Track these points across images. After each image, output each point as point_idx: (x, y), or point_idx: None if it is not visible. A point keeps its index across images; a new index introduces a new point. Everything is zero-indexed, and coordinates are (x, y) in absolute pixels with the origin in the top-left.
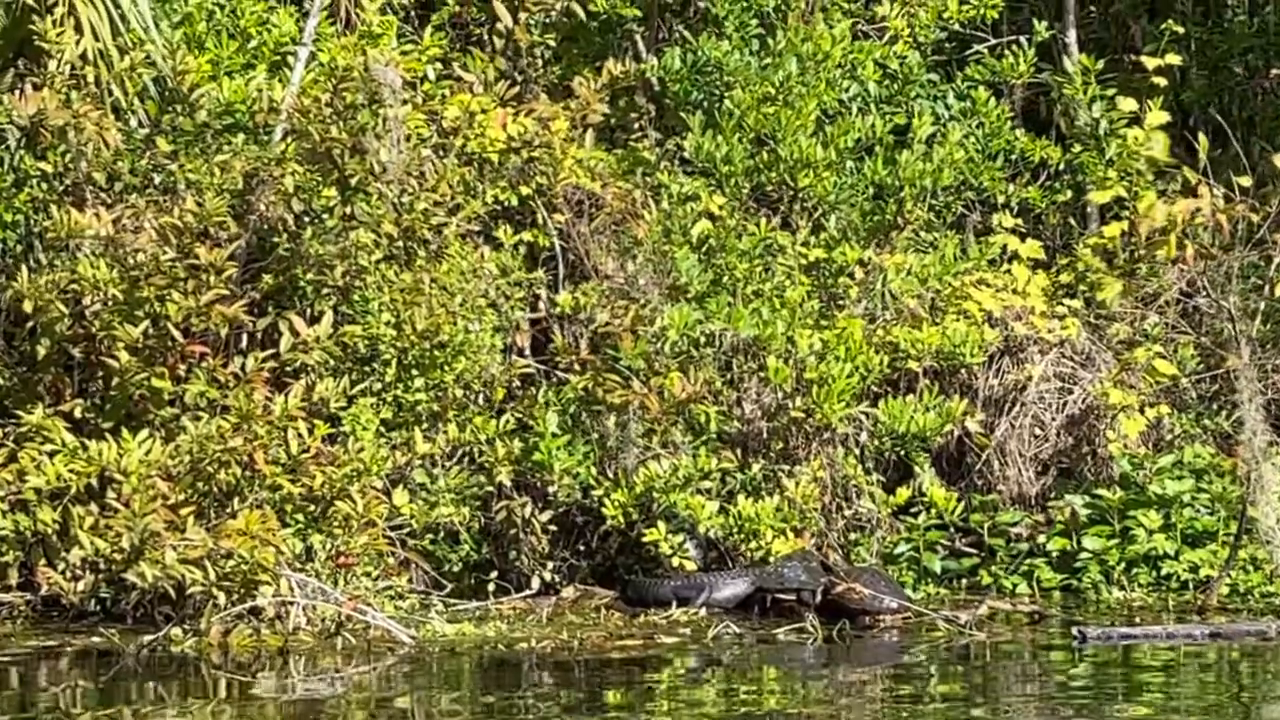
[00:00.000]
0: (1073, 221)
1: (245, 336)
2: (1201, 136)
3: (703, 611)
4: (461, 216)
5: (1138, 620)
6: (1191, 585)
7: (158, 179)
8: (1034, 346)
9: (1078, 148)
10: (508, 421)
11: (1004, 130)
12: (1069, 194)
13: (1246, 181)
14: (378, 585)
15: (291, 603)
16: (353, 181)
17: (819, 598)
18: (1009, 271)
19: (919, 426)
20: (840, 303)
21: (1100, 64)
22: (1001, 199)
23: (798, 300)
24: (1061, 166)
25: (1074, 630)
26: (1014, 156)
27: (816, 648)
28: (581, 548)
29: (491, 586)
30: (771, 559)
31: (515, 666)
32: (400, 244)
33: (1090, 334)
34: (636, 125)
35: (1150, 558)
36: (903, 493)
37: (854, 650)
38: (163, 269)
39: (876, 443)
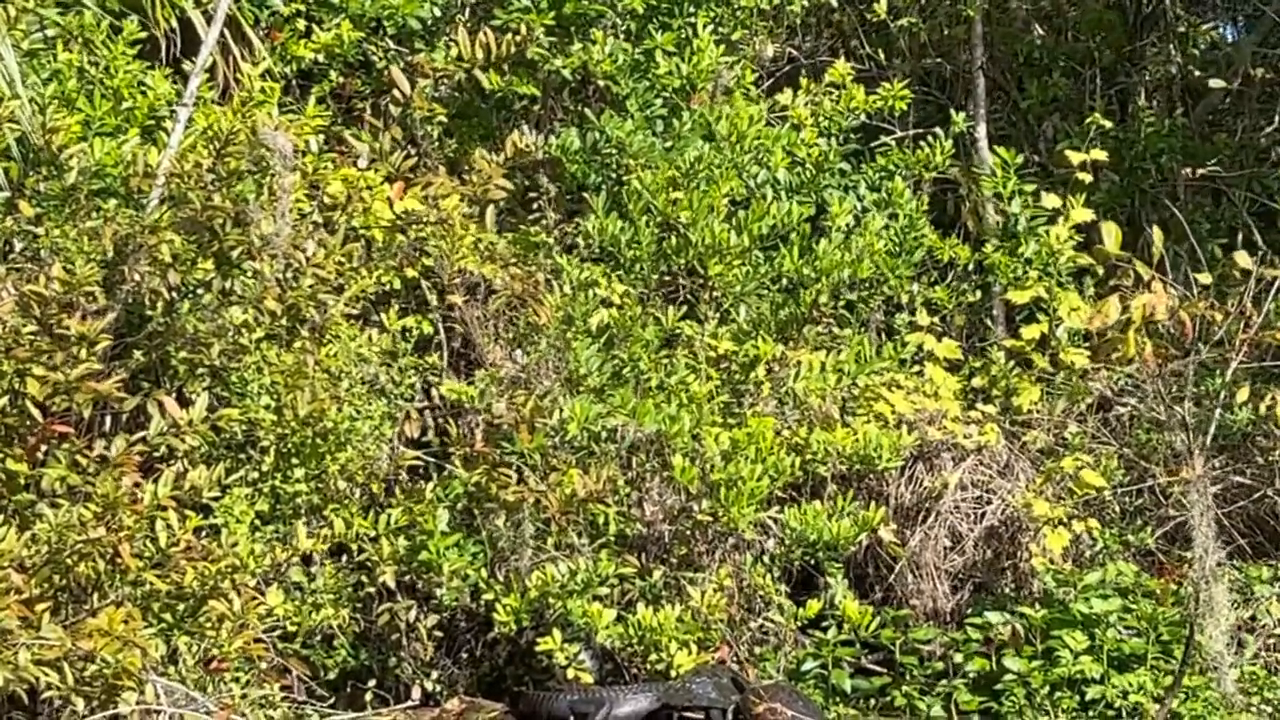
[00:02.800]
0: (988, 322)
1: (109, 418)
2: (1156, 230)
3: None
4: (349, 295)
5: None
6: (1123, 713)
7: (18, 245)
8: (948, 453)
9: (989, 247)
10: (397, 518)
11: (920, 223)
12: (978, 294)
13: (1206, 279)
14: (247, 693)
15: (158, 711)
16: (234, 254)
17: (729, 717)
18: (919, 373)
19: (832, 534)
20: (748, 400)
21: (1019, 158)
22: (906, 298)
23: (705, 395)
24: (970, 266)
25: None
26: (921, 254)
27: None
28: (465, 655)
29: (369, 696)
30: (675, 673)
31: None
32: (283, 322)
33: (1008, 441)
34: (535, 206)
35: (1074, 681)
36: (814, 605)
37: None
38: (22, 341)
39: (784, 551)
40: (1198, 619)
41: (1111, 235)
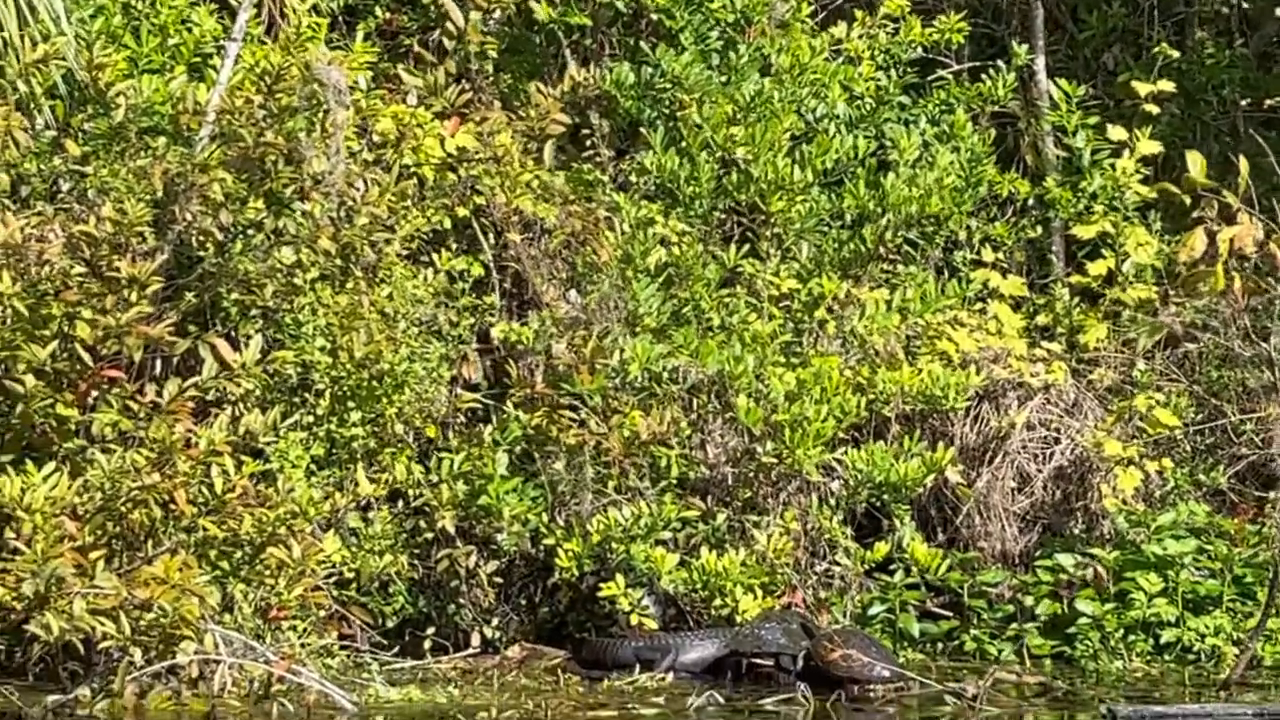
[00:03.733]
0: (1051, 259)
1: (160, 361)
2: (1243, 160)
3: (669, 677)
4: (403, 234)
5: (1157, 695)
6: (1201, 656)
7: (65, 185)
8: (1014, 392)
9: (1050, 181)
10: (462, 462)
11: (985, 158)
12: (1038, 230)
13: None
14: (306, 642)
15: (217, 660)
16: (287, 192)
17: (800, 663)
18: (982, 310)
19: (899, 476)
20: (810, 339)
21: (1080, 90)
22: (965, 234)
23: (768, 335)
24: (1030, 201)
25: (1102, 709)
26: (984, 190)
27: None
28: (524, 602)
29: (428, 644)
30: (741, 619)
31: None
32: (337, 262)
33: (1074, 379)
34: (589, 143)
35: (1148, 624)
36: (881, 548)
37: None
38: (72, 283)
39: (849, 493)
40: None
41: (1197, 164)
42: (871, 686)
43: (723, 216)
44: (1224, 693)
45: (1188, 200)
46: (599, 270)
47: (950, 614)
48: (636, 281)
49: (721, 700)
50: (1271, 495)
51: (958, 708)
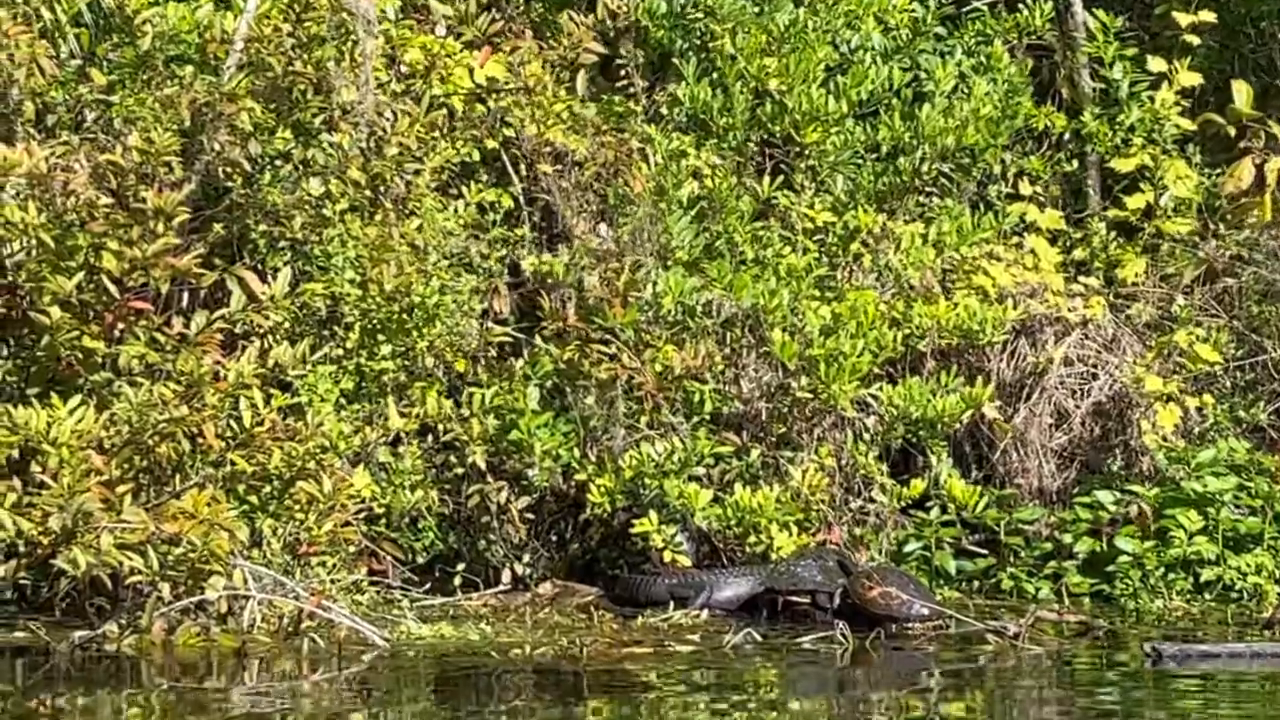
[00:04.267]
0: (1087, 192)
1: (188, 294)
2: None
3: (704, 614)
4: (433, 165)
5: (1199, 634)
6: (1244, 595)
7: (91, 115)
8: (1051, 327)
9: (1087, 114)
10: (493, 396)
11: (1022, 89)
12: (1074, 164)
13: None
14: (336, 578)
15: (246, 597)
16: (317, 122)
17: (836, 601)
18: (1019, 245)
19: (937, 411)
20: (845, 273)
21: (1118, 21)
22: (999, 168)
23: (803, 268)
24: (1066, 135)
25: (1147, 648)
26: (1020, 122)
27: (859, 662)
28: (555, 539)
29: (458, 581)
30: (775, 556)
31: (515, 680)
32: (366, 194)
33: (1112, 315)
34: (621, 74)
35: (1189, 562)
36: (917, 485)
37: (899, 665)
38: (98, 214)
39: (885, 429)
40: None
41: (1243, 94)
42: (910, 625)
43: (756, 149)
44: (1267, 632)
45: (1232, 131)
46: (631, 202)
47: (986, 552)
48: (669, 214)
49: (759, 638)
50: None
51: (1000, 646)
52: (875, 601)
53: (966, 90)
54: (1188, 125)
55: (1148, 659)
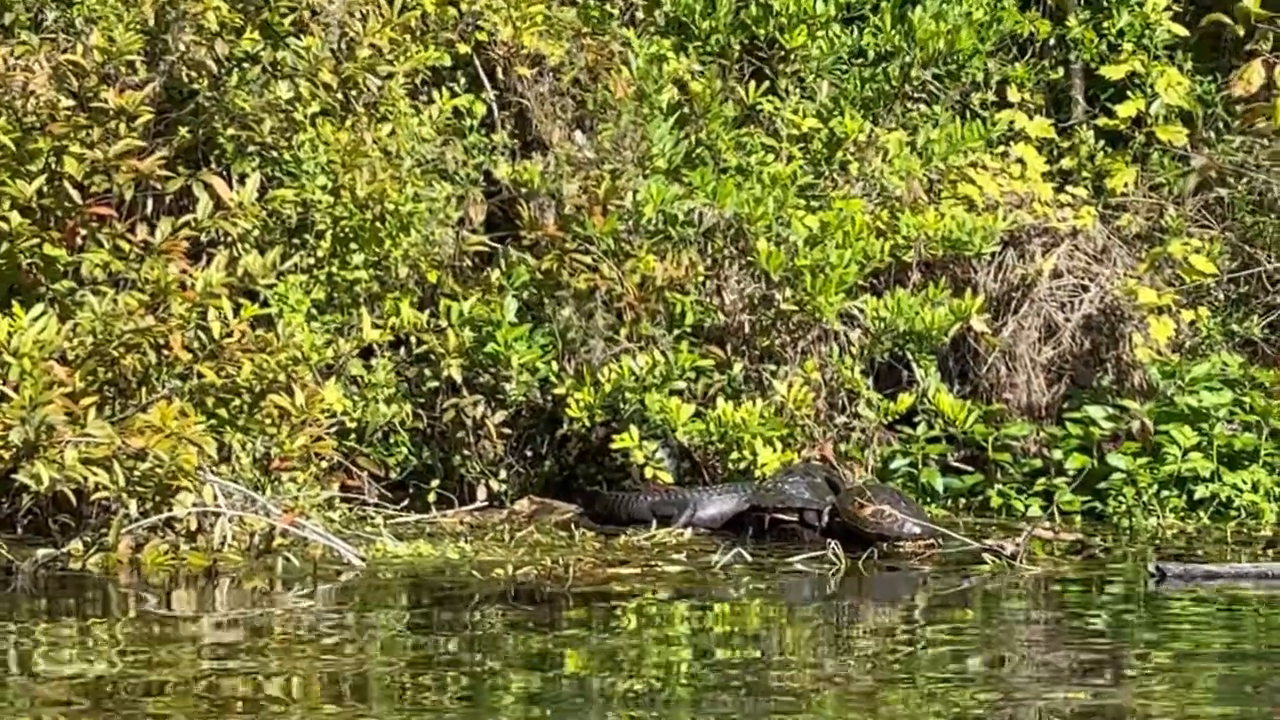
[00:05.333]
0: (1075, 100)
1: (152, 200)
2: None
3: (687, 533)
4: (406, 68)
5: (1199, 553)
6: (1243, 512)
7: (51, 14)
8: (1040, 238)
9: (1073, 20)
10: (471, 307)
11: None
12: (1059, 72)
13: None
14: (309, 494)
15: (216, 514)
16: (286, 22)
17: (825, 519)
18: (1006, 154)
19: (925, 324)
20: (830, 181)
21: None
22: (982, 75)
23: (788, 176)
24: (1051, 41)
25: (1150, 567)
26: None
27: (857, 583)
28: (530, 454)
29: (433, 497)
30: (759, 473)
31: (501, 600)
32: (338, 97)
33: (1102, 225)
34: None
35: (1182, 479)
36: (905, 399)
37: (896, 586)
38: (59, 116)
39: (871, 342)
40: None
41: None
42: (901, 543)
43: (739, 53)
44: (1270, 550)
45: (1241, 32)
46: (611, 108)
47: (971, 469)
48: (650, 120)
49: (748, 558)
50: None
51: (996, 566)
52: (866, 520)
53: None
54: (1180, 30)
55: (1152, 578)
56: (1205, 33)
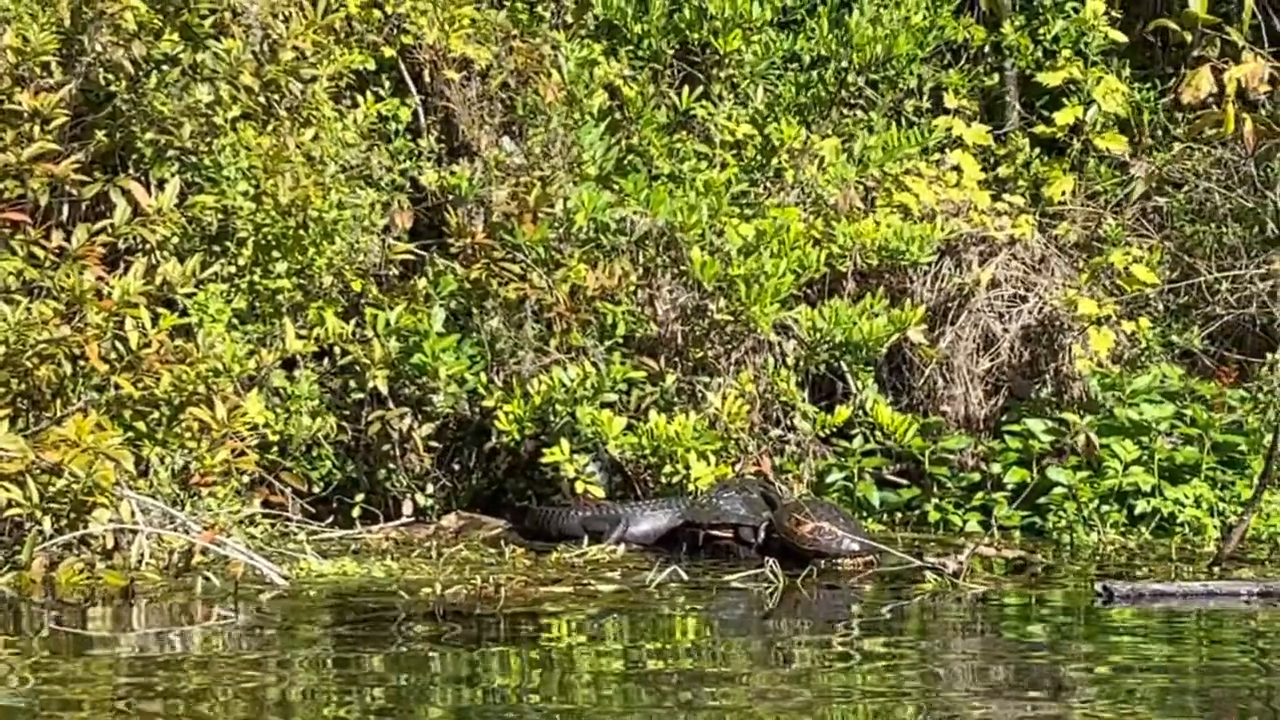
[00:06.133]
0: (1010, 107)
1: (68, 205)
2: None
3: (620, 549)
4: (330, 71)
5: (1145, 571)
6: (1187, 528)
7: None
8: (977, 247)
9: (1008, 26)
10: (400, 317)
11: None
12: (995, 78)
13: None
14: (233, 510)
15: (134, 531)
16: (206, 24)
17: (761, 536)
18: (941, 161)
19: (863, 334)
20: (765, 189)
21: None
22: (913, 82)
23: (722, 184)
24: (985, 48)
25: (1097, 586)
26: (949, 32)
27: (795, 601)
28: (458, 468)
29: (357, 512)
30: (693, 487)
31: (430, 621)
32: (260, 100)
33: (1040, 234)
34: None
35: (1123, 494)
36: (842, 411)
37: (836, 604)
38: None
39: (807, 354)
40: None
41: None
42: (839, 561)
43: (671, 58)
44: (1216, 569)
45: (1188, 38)
46: (541, 112)
47: (907, 483)
48: (582, 125)
49: (684, 576)
50: (1271, 358)
51: (939, 584)
52: (804, 537)
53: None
54: (1118, 36)
55: (1099, 598)
56: (1143, 39)
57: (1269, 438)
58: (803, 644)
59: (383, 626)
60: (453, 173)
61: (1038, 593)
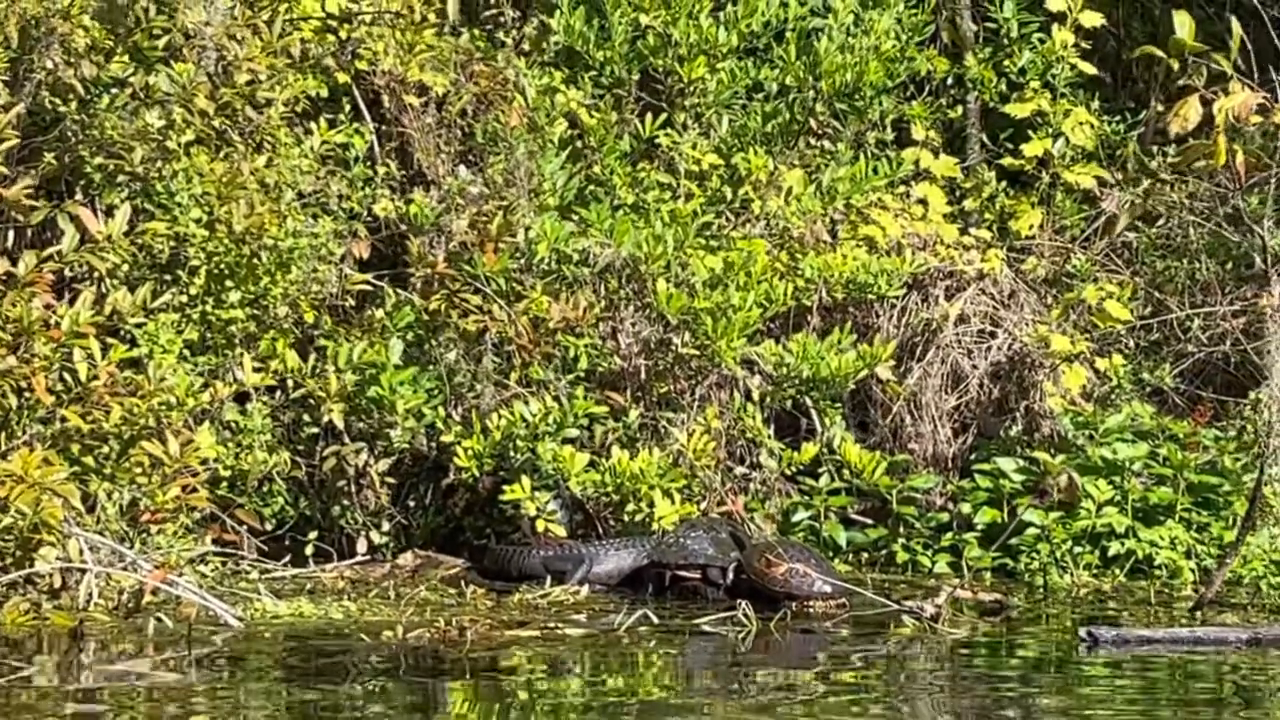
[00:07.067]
0: (973, 140)
1: (13, 232)
2: (1235, 22)
3: (584, 590)
4: (286, 96)
5: (1126, 615)
6: (1164, 570)
7: None
8: (944, 281)
9: (971, 59)
10: (361, 351)
11: (923, 26)
12: (959, 110)
13: None
14: (185, 548)
15: (82, 570)
16: (159, 44)
17: (730, 577)
18: (907, 194)
19: (832, 370)
20: (733, 220)
21: None
22: (875, 114)
23: (688, 215)
24: (949, 80)
25: (1081, 632)
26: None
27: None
28: (412, 505)
29: (310, 550)
30: (657, 525)
31: (391, 665)
32: (215, 125)
33: (1008, 269)
34: (490, 1)
35: (1096, 536)
36: (809, 449)
37: (812, 649)
38: None
39: (775, 389)
40: (1265, 464)
41: (1185, 27)
42: (811, 603)
43: (633, 86)
44: (1198, 613)
45: (1175, 65)
46: (502, 140)
47: (872, 522)
48: (544, 154)
49: (654, 619)
50: (1253, 395)
51: (916, 629)
52: (775, 578)
53: (865, 26)
54: (1087, 68)
55: (1083, 644)
56: (1114, 72)
57: (1250, 479)
58: (785, 690)
59: (344, 673)
60: (409, 201)
61: (1017, 637)
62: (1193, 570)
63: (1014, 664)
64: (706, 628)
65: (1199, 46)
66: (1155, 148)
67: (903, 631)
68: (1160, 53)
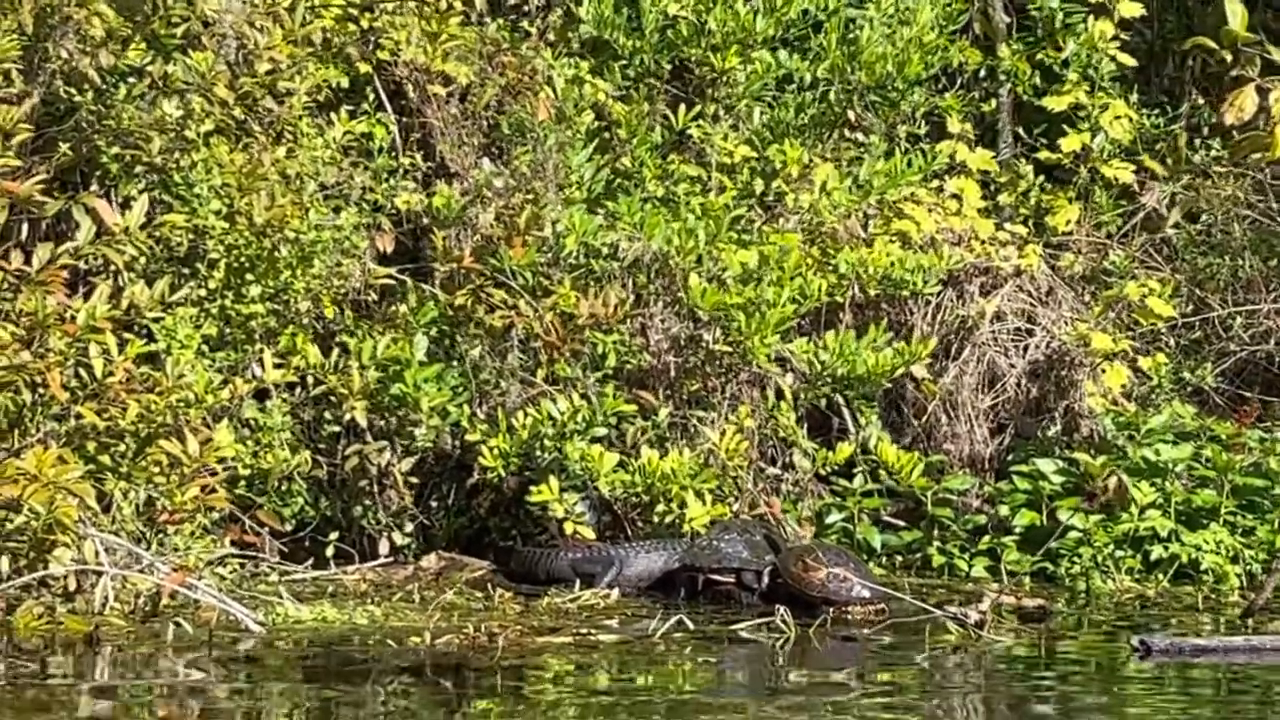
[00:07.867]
0: (1006, 133)
1: (28, 225)
2: None
3: (614, 593)
4: (308, 85)
5: (1174, 621)
6: (1210, 575)
7: None
8: (980, 278)
9: (1005, 50)
10: (385, 347)
11: (959, 14)
12: (991, 104)
13: None
14: (204, 550)
15: (98, 572)
16: (177, 33)
17: (765, 580)
18: (941, 188)
19: (869, 368)
20: (763, 214)
21: None
22: (907, 107)
23: (720, 208)
24: (981, 72)
25: (1133, 641)
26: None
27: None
28: (435, 505)
29: (330, 551)
30: (688, 527)
31: (417, 675)
32: (235, 114)
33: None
34: None
35: (1138, 539)
36: (844, 449)
37: (852, 656)
38: None
39: (809, 387)
40: None
41: (1237, 15)
42: (849, 609)
43: (664, 77)
44: (1248, 620)
45: (1228, 56)
46: (530, 131)
47: (905, 524)
48: (573, 145)
49: (690, 625)
50: None
51: (959, 635)
52: (814, 583)
53: (906, 16)
54: (1127, 60)
55: (1135, 653)
56: (1148, 63)
57: None
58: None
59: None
60: (432, 194)
61: (1066, 645)
62: (1239, 575)
63: (1060, 672)
64: (744, 634)
65: (1251, 37)
66: (1198, 140)
67: (947, 638)
68: (1213, 44)
